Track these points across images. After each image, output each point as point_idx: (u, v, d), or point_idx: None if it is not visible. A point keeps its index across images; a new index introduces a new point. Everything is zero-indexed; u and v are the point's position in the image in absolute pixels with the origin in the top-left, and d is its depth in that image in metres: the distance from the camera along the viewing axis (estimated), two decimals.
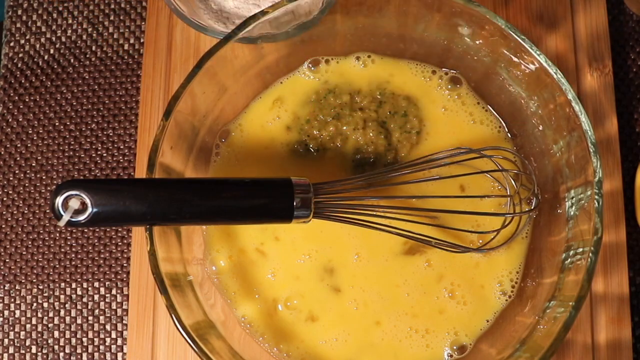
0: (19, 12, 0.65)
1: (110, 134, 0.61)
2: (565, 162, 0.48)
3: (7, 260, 0.59)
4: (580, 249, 0.45)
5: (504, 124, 0.54)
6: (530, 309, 0.48)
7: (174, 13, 0.54)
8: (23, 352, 0.58)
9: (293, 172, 0.53)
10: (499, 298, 0.51)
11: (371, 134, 0.53)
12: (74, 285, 0.58)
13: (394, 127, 0.54)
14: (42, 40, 0.64)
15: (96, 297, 0.58)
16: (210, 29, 0.54)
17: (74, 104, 0.62)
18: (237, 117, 0.55)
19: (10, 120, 0.62)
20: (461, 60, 0.54)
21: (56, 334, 0.58)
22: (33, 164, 0.61)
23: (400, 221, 0.48)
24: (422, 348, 0.50)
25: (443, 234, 0.51)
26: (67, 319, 0.58)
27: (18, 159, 0.61)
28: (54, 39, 0.63)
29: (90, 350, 0.57)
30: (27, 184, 0.61)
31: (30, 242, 0.60)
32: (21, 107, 0.62)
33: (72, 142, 0.61)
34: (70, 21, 0.64)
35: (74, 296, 0.58)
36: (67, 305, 0.58)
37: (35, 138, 0.62)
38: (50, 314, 0.58)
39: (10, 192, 0.61)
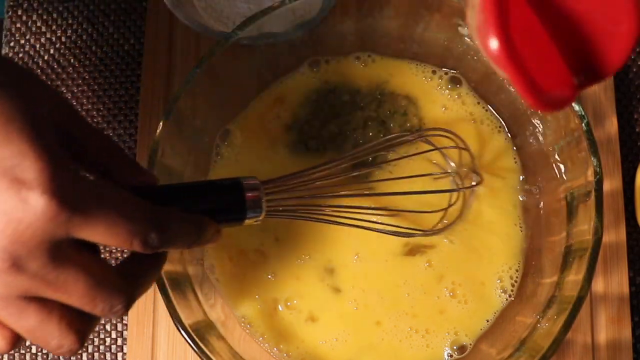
0: (19, 12, 0.65)
1: (110, 134, 0.61)
2: (565, 162, 0.48)
3: None
4: (580, 249, 0.45)
5: (504, 124, 0.54)
6: (530, 309, 0.48)
7: (174, 13, 0.54)
8: (23, 352, 0.57)
9: (293, 170, 0.53)
10: (500, 296, 0.51)
11: (371, 133, 0.53)
12: None
13: (394, 126, 0.54)
14: (42, 40, 0.64)
15: None
16: (210, 29, 0.54)
17: (74, 103, 0.62)
18: (237, 116, 0.55)
19: None
20: (461, 60, 0.54)
21: None
22: None
23: (355, 212, 0.49)
24: (422, 348, 0.50)
25: (399, 220, 0.51)
26: None
27: None
28: (54, 39, 0.63)
29: (90, 350, 0.57)
30: None
31: None
32: None
33: None
34: (70, 21, 0.64)
35: None
36: None
37: None
38: None
39: None
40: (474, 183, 0.52)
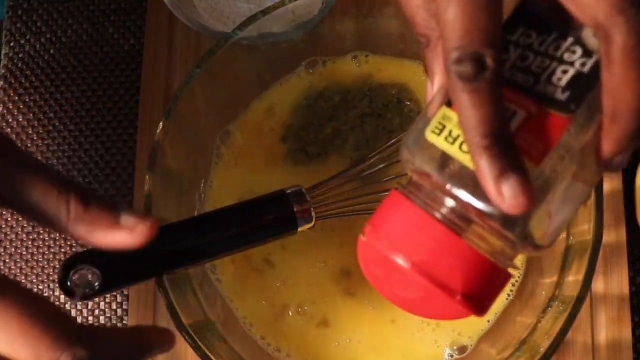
0: (19, 12, 0.64)
1: (110, 134, 0.61)
2: None
3: (7, 260, 0.59)
4: (580, 249, 0.45)
5: None
6: (530, 309, 0.48)
7: (174, 13, 0.54)
8: None
9: (296, 176, 0.53)
10: (505, 292, 0.51)
11: (369, 129, 0.53)
12: None
13: (392, 116, 0.54)
14: (42, 40, 0.64)
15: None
16: (210, 29, 0.54)
17: (74, 104, 0.62)
18: (237, 117, 0.55)
19: (10, 120, 0.62)
20: None
21: None
22: None
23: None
24: (430, 345, 0.50)
25: None
26: None
27: None
28: (54, 39, 0.63)
29: None
30: None
31: (30, 242, 0.60)
32: (21, 107, 0.62)
33: (72, 142, 0.61)
34: (70, 21, 0.64)
35: None
36: (67, 306, 0.58)
37: (35, 138, 0.62)
38: None
39: None
40: None
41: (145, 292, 0.56)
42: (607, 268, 0.54)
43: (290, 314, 0.51)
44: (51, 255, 0.59)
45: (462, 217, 0.30)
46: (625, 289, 0.54)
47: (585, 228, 0.44)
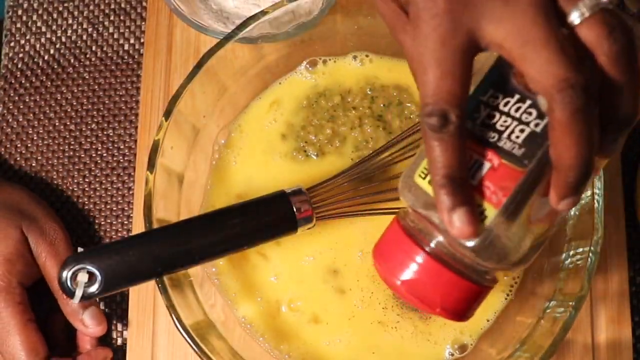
0: (19, 12, 0.65)
1: (110, 134, 0.61)
2: None
3: None
4: (580, 249, 0.45)
5: None
6: (530, 309, 0.48)
7: (174, 13, 0.54)
8: None
9: (296, 176, 0.53)
10: (500, 295, 0.51)
11: (369, 130, 0.53)
12: None
13: (392, 117, 0.54)
14: (42, 40, 0.64)
15: None
16: (210, 29, 0.54)
17: (74, 104, 0.62)
18: (237, 117, 0.55)
19: (10, 120, 0.62)
20: None
21: None
22: (33, 164, 0.61)
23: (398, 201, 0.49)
24: (425, 346, 0.50)
25: None
26: None
27: (18, 159, 0.61)
28: (54, 39, 0.63)
29: None
30: (27, 184, 0.61)
31: None
32: (21, 107, 0.62)
33: (72, 142, 0.61)
34: (70, 21, 0.64)
35: None
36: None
37: (35, 138, 0.62)
38: None
39: None
40: None
41: (145, 292, 0.56)
42: (607, 268, 0.54)
43: (284, 309, 0.51)
44: None
45: (445, 249, 0.36)
46: (625, 289, 0.54)
47: (585, 228, 0.44)
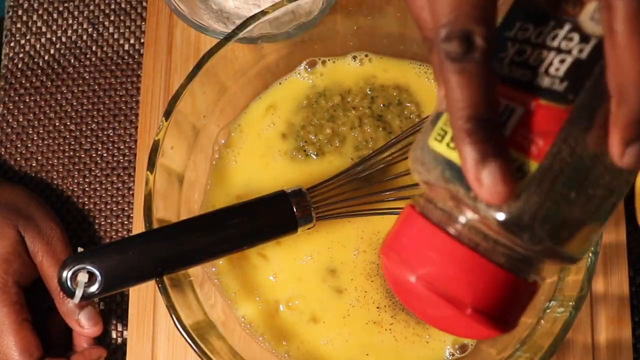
0: (19, 12, 0.65)
1: (110, 134, 0.61)
2: None
3: None
4: None
5: None
6: (530, 309, 0.48)
7: (174, 13, 0.54)
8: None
9: (296, 176, 0.53)
10: None
11: (369, 130, 0.53)
12: None
13: (392, 117, 0.54)
14: (42, 40, 0.64)
15: None
16: (210, 29, 0.54)
17: (74, 104, 0.62)
18: (237, 117, 0.55)
19: (10, 120, 0.62)
20: None
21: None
22: (33, 164, 0.61)
23: (399, 201, 0.49)
24: (424, 346, 0.50)
25: None
26: None
27: (18, 159, 0.61)
28: (54, 39, 0.63)
29: None
30: (27, 184, 0.61)
31: None
32: (21, 107, 0.62)
33: (72, 142, 0.61)
34: (70, 21, 0.64)
35: None
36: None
37: (35, 138, 0.62)
38: None
39: None
40: None
41: (145, 292, 0.56)
42: (607, 268, 0.54)
43: (282, 309, 0.51)
44: None
45: (476, 230, 0.28)
46: (625, 289, 0.54)
47: None
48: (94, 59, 0.63)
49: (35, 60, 0.63)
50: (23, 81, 0.63)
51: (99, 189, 0.60)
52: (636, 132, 0.24)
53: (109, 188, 0.60)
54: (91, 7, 0.64)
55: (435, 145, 0.29)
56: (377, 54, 0.56)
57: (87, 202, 0.60)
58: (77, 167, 0.61)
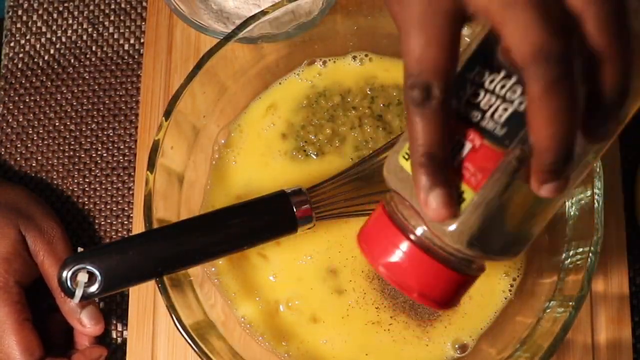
0: (19, 12, 0.65)
1: (110, 134, 0.61)
2: None
3: None
4: (580, 249, 0.45)
5: None
6: (530, 309, 0.48)
7: (174, 13, 0.54)
8: None
9: (296, 176, 0.53)
10: (501, 294, 0.51)
11: (369, 130, 0.53)
12: None
13: (392, 117, 0.54)
14: (42, 40, 0.64)
15: None
16: (210, 29, 0.54)
17: (74, 104, 0.62)
18: (237, 117, 0.55)
19: (10, 120, 0.62)
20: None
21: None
22: (33, 164, 0.61)
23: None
24: (423, 347, 0.50)
25: None
26: None
27: (18, 159, 0.61)
28: (54, 39, 0.64)
29: None
30: (27, 184, 0.61)
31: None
32: (21, 107, 0.62)
33: (72, 142, 0.61)
34: (70, 21, 0.64)
35: None
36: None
37: (35, 138, 0.62)
38: None
39: None
40: None
41: (145, 292, 0.56)
42: (607, 268, 0.54)
43: (282, 309, 0.51)
44: None
45: (426, 236, 0.35)
46: (625, 289, 0.54)
47: (585, 228, 0.44)
48: (94, 59, 0.63)
49: (35, 60, 0.63)
50: (23, 81, 0.63)
51: (99, 189, 0.60)
52: (548, 176, 0.30)
53: (109, 188, 0.60)
54: (91, 7, 0.64)
55: (403, 162, 0.35)
56: (377, 53, 0.56)
57: (87, 202, 0.60)
58: (77, 167, 0.61)
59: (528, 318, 0.47)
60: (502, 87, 0.32)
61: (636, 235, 0.56)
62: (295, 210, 0.45)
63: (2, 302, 0.50)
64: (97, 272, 0.41)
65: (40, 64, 0.63)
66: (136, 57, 0.62)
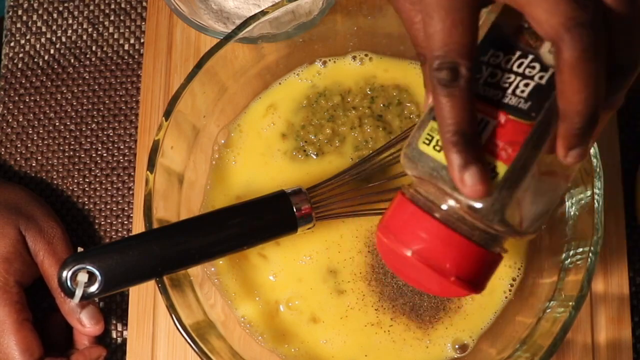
0: (19, 12, 0.65)
1: (110, 134, 0.61)
2: None
3: None
4: (580, 249, 0.45)
5: None
6: (530, 309, 0.48)
7: (174, 13, 0.54)
8: None
9: (296, 176, 0.53)
10: (501, 295, 0.51)
11: (369, 130, 0.53)
12: None
13: (392, 117, 0.54)
14: (42, 40, 0.64)
15: None
16: (210, 29, 0.54)
17: (74, 104, 0.62)
18: (237, 117, 0.55)
19: (10, 120, 0.62)
20: None
21: None
22: (33, 164, 0.61)
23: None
24: (424, 348, 0.50)
25: None
26: None
27: (18, 159, 0.61)
28: (54, 39, 0.64)
29: None
30: (27, 184, 0.61)
31: None
32: (21, 107, 0.62)
33: (72, 142, 0.61)
34: (70, 21, 0.64)
35: None
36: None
37: (35, 138, 0.62)
38: None
39: None
40: None
41: (145, 292, 0.56)
42: (607, 268, 0.54)
43: (282, 309, 0.51)
44: None
45: (456, 215, 0.35)
46: (625, 289, 0.54)
47: (585, 228, 0.44)
48: (94, 59, 0.63)
49: (35, 60, 0.63)
50: (23, 81, 0.63)
51: (99, 189, 0.60)
52: (575, 141, 0.32)
53: (109, 188, 0.60)
54: (91, 7, 0.64)
55: (424, 147, 0.35)
56: (377, 53, 0.56)
57: (87, 202, 0.60)
58: (77, 167, 0.61)
59: (528, 318, 0.47)
60: (520, 65, 0.34)
61: (636, 235, 0.56)
62: (295, 210, 0.45)
63: (2, 302, 0.50)
64: (97, 272, 0.41)
65: (40, 64, 0.63)
66: (136, 57, 0.62)
